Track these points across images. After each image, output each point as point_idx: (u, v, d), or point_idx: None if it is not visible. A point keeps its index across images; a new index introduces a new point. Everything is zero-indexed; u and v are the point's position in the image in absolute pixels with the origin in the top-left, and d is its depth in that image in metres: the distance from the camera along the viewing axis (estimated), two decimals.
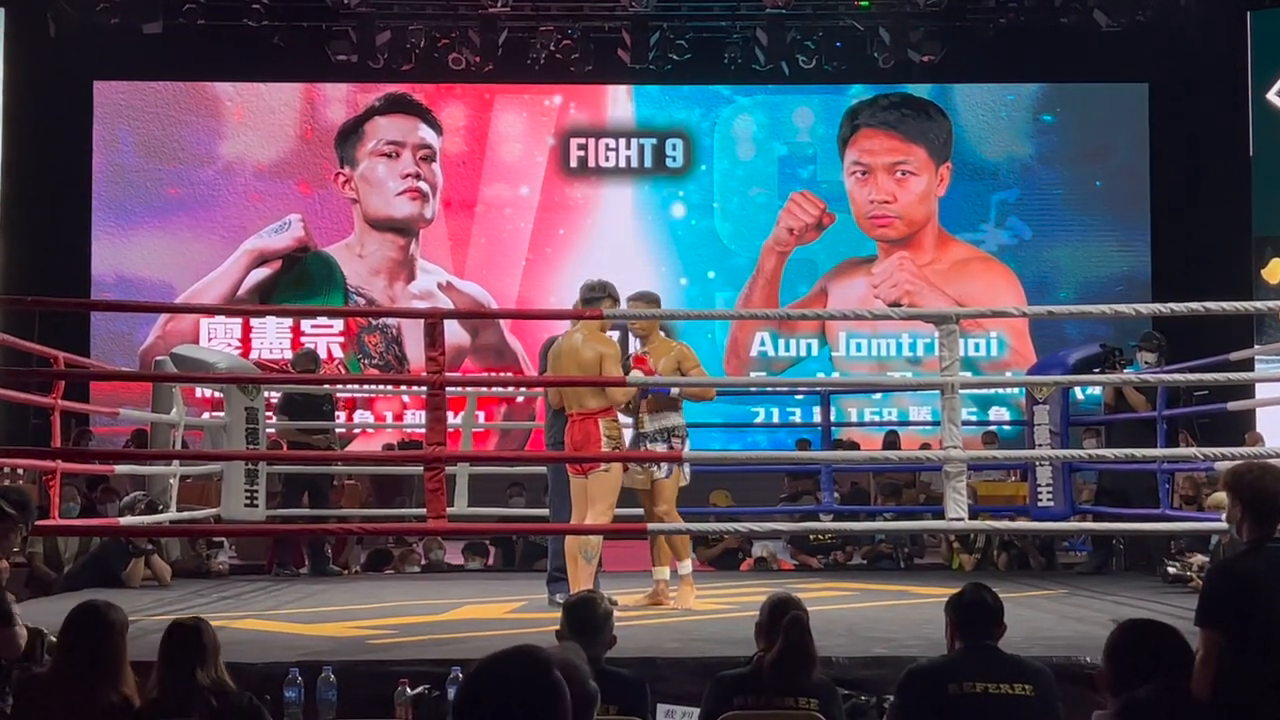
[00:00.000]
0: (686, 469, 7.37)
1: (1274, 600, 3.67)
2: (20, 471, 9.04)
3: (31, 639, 4.53)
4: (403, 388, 14.24)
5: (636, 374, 6.88)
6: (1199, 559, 8.14)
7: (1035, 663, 4.18)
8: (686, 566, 7.30)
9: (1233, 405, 8.42)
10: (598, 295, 7.08)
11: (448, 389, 6.48)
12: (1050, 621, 6.56)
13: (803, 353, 14.83)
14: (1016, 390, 13.31)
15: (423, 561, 10.11)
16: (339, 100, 15.01)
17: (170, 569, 8.65)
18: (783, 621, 4.16)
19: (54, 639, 4.27)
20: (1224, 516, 7.31)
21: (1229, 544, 7.60)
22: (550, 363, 7.25)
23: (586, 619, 4.20)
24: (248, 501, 8.85)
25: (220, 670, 4.03)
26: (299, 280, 14.74)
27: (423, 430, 7.10)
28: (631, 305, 7.32)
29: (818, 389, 12.26)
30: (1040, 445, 9.14)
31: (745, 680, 4.15)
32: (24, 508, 4.86)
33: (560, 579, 7.19)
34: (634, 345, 7.99)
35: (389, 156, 14.94)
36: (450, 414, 10.15)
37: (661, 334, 7.57)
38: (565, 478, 7.24)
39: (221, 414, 9.47)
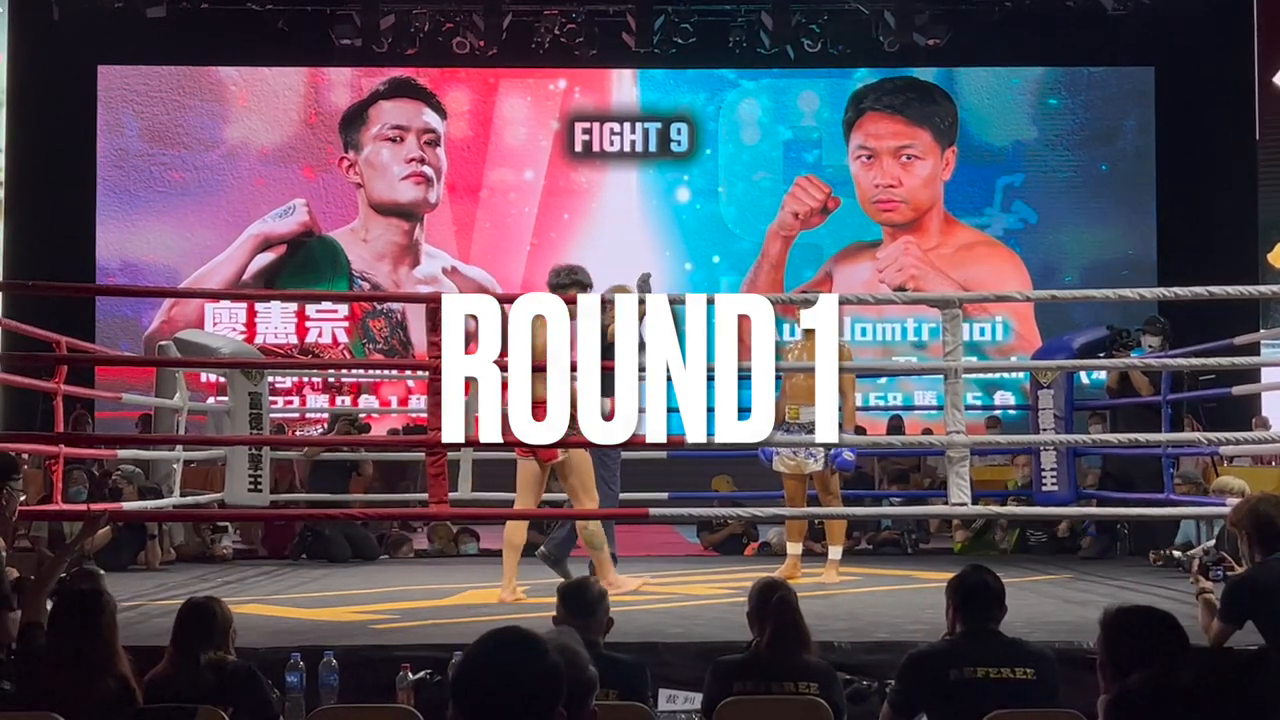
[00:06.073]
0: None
1: None
2: (25, 456, 9.04)
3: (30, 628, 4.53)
4: (407, 372, 14.21)
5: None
6: (1200, 548, 8.10)
7: (1037, 646, 4.18)
8: (837, 552, 7.74)
9: (1237, 390, 8.40)
10: (564, 282, 6.66)
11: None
12: (1053, 606, 6.55)
13: None
14: (1022, 375, 13.28)
15: (427, 546, 10.11)
16: (343, 84, 14.98)
17: (160, 554, 8.66)
18: (770, 604, 4.16)
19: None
20: (1229, 507, 7.32)
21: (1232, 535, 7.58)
22: None
23: (581, 601, 4.19)
24: (251, 486, 8.86)
25: (228, 647, 4.04)
26: (303, 265, 14.74)
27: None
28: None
29: None
30: (1044, 430, 9.11)
31: (743, 666, 4.14)
32: (8, 470, 4.88)
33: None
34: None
35: (393, 141, 14.92)
36: None
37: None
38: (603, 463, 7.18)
39: (226, 399, 9.47)
